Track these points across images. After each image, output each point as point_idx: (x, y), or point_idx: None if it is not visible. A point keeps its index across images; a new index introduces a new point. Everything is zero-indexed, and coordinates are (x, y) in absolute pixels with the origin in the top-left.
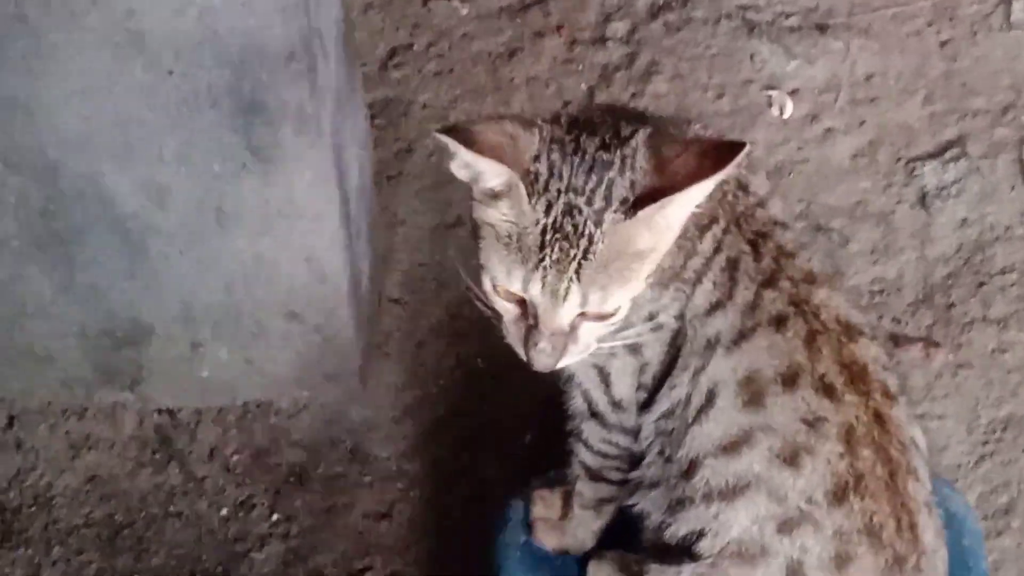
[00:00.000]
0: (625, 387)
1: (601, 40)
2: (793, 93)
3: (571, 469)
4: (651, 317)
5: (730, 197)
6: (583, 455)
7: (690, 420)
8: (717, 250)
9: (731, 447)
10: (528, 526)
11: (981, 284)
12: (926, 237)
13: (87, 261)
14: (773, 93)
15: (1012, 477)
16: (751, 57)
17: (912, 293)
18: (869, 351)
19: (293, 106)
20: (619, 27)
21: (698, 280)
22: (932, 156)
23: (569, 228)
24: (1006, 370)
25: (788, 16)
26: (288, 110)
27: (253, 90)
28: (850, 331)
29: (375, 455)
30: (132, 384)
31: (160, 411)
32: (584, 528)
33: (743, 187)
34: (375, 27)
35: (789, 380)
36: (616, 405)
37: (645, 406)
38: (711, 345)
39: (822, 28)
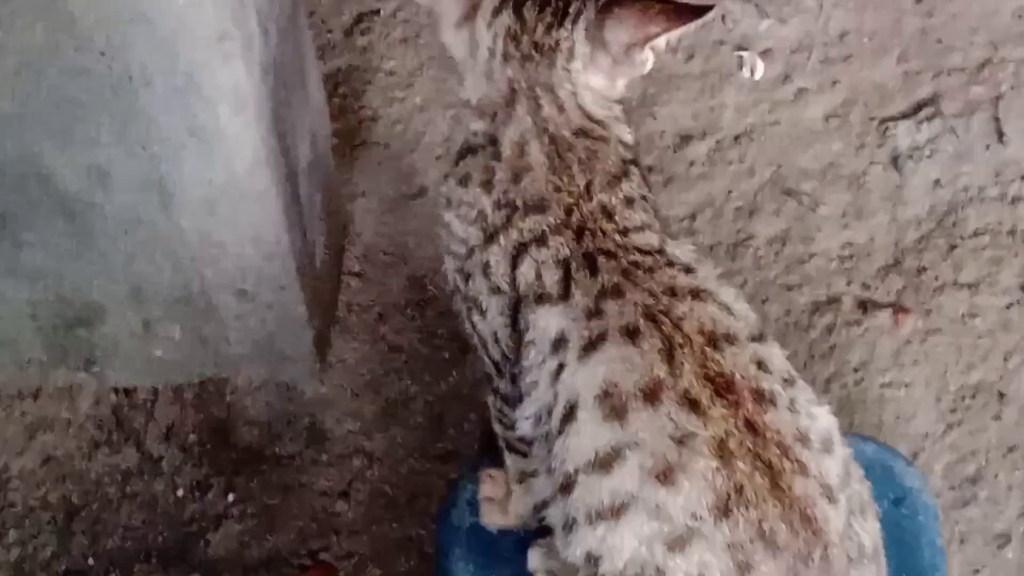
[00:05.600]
0: (493, 349)
1: None
2: (765, 53)
3: None
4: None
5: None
6: (493, 424)
7: (556, 431)
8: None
9: (601, 464)
10: (477, 506)
11: (953, 247)
12: (898, 199)
13: (33, 243)
14: (744, 54)
15: (980, 446)
16: (723, 17)
17: (882, 257)
18: (739, 359)
19: (228, 86)
20: None
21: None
22: (905, 116)
23: None
24: (976, 335)
25: None
26: (223, 90)
27: (187, 71)
28: (716, 341)
29: (333, 433)
30: (86, 364)
31: (116, 391)
32: (519, 503)
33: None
34: None
35: (650, 396)
36: (497, 367)
37: (518, 400)
38: (558, 347)
39: None
